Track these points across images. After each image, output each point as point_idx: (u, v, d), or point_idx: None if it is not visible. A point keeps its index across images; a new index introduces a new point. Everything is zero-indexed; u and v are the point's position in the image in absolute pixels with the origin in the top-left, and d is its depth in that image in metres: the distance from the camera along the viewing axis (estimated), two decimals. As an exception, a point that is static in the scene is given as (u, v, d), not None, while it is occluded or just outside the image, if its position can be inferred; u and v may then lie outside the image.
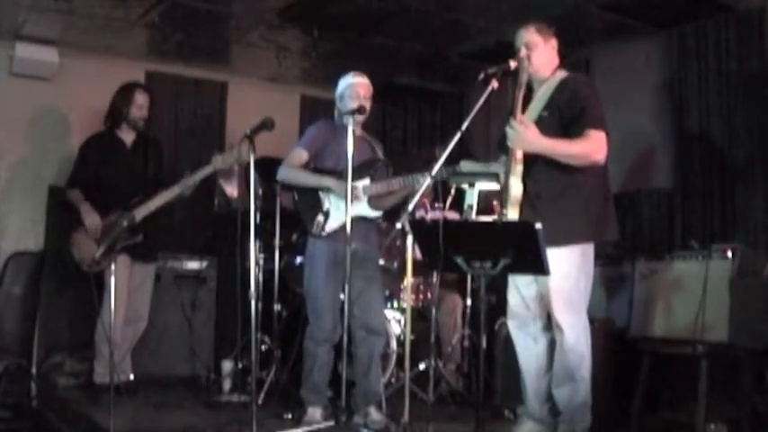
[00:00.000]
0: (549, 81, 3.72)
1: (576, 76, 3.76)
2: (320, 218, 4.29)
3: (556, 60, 3.76)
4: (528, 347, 3.78)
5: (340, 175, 4.21)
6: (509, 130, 3.54)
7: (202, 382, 5.41)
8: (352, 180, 4.08)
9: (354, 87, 4.35)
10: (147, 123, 5.21)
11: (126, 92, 5.15)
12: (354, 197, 4.16)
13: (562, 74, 3.75)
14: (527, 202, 3.58)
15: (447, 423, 4.30)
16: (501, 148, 3.80)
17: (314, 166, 4.37)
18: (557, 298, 3.57)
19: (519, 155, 3.59)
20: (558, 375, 3.65)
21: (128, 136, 5.17)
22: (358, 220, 4.17)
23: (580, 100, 3.56)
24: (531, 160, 3.59)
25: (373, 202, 4.35)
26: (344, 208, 4.11)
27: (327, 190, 4.26)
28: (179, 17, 5.45)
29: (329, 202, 4.30)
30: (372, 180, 4.34)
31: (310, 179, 4.32)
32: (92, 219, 4.88)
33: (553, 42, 3.74)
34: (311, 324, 4.31)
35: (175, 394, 5.12)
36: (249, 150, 3.74)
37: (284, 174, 4.37)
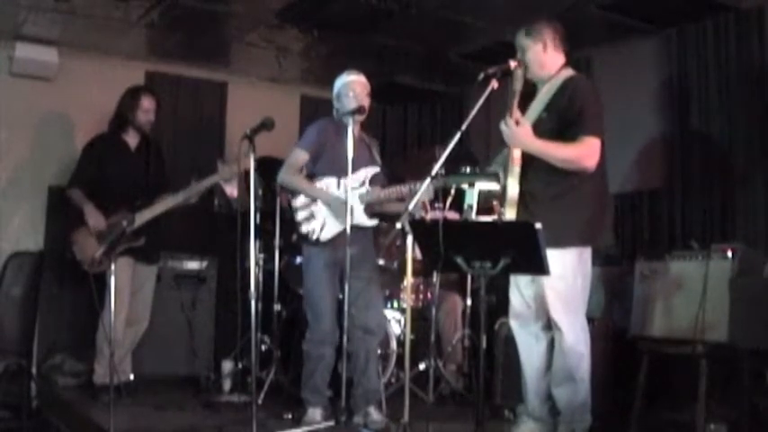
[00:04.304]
0: (552, 81, 3.71)
1: (579, 79, 3.73)
2: (315, 227, 4.29)
3: (555, 59, 3.73)
4: (530, 346, 3.78)
5: (338, 184, 4.22)
6: (503, 127, 3.55)
7: (202, 382, 5.41)
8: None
9: (351, 86, 4.34)
10: (152, 126, 5.22)
11: (132, 96, 5.15)
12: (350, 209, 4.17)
13: (567, 73, 3.72)
14: (522, 202, 3.58)
15: (447, 423, 4.30)
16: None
17: (313, 167, 4.37)
18: (553, 299, 3.58)
19: (516, 155, 3.60)
20: (557, 375, 3.65)
21: (132, 139, 5.18)
22: (354, 229, 4.16)
23: (578, 104, 3.56)
24: (529, 161, 3.59)
25: (369, 210, 4.35)
26: (339, 219, 4.16)
27: (324, 203, 4.28)
28: (179, 17, 5.45)
29: (324, 212, 4.30)
30: (369, 188, 4.35)
31: (309, 190, 4.33)
32: (96, 219, 4.89)
33: (545, 41, 3.70)
34: (311, 326, 4.32)
35: (175, 394, 5.12)
36: (249, 150, 3.74)
37: (284, 179, 4.39)
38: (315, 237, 4.28)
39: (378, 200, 4.34)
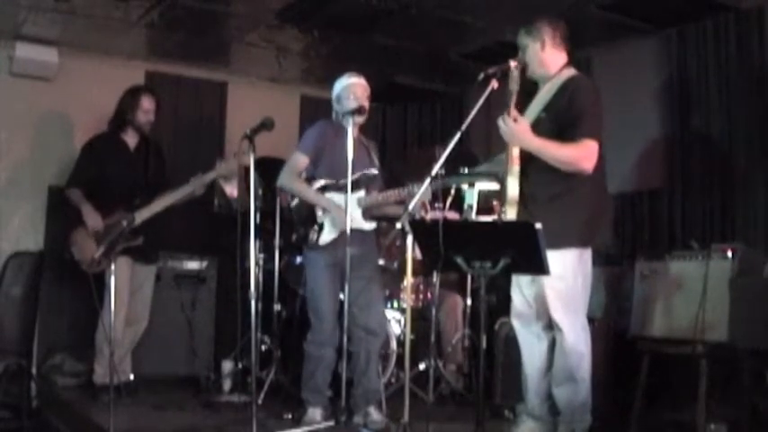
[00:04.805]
0: (553, 80, 3.71)
1: (579, 79, 3.72)
2: (314, 230, 4.29)
3: (555, 58, 3.73)
4: (531, 345, 3.79)
5: (337, 187, 4.23)
6: (501, 124, 3.55)
7: (202, 382, 5.41)
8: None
9: (351, 88, 4.34)
10: (152, 126, 5.21)
11: (132, 96, 5.14)
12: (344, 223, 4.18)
13: (568, 73, 3.72)
14: (522, 203, 3.59)
15: (447, 423, 4.30)
16: None
17: (313, 170, 4.37)
18: (554, 299, 3.59)
19: (515, 154, 3.59)
20: (557, 375, 3.65)
21: (131, 139, 5.18)
22: (354, 231, 4.16)
23: (577, 106, 3.56)
24: (529, 161, 3.59)
25: (368, 213, 4.35)
26: (339, 222, 4.16)
27: (326, 209, 4.27)
28: (179, 17, 5.45)
29: (324, 216, 4.29)
30: (367, 192, 4.35)
31: (308, 195, 4.32)
32: (94, 219, 4.89)
33: (544, 39, 3.70)
34: (313, 327, 4.31)
35: (175, 394, 5.12)
36: (249, 150, 3.74)
37: (284, 183, 4.39)
38: (314, 240, 4.28)
39: (376, 203, 4.35)
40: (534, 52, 3.71)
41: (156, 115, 5.21)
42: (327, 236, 4.27)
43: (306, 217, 4.33)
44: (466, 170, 4.13)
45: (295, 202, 4.38)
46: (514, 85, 3.64)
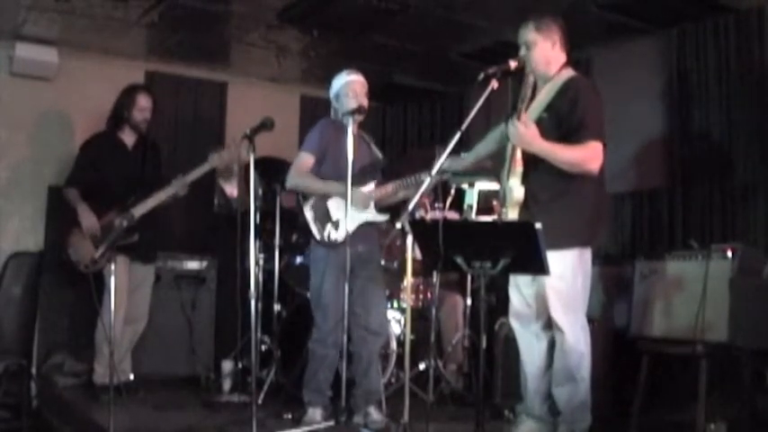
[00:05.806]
0: (553, 80, 3.71)
1: (579, 80, 3.73)
2: (330, 228, 4.29)
3: (560, 58, 3.74)
4: (531, 345, 3.79)
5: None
6: (510, 127, 3.57)
7: (202, 382, 5.41)
8: (358, 187, 4.17)
9: (351, 86, 4.35)
10: (149, 125, 5.21)
11: (129, 94, 5.15)
12: (364, 205, 4.23)
13: (568, 73, 3.72)
14: (523, 203, 3.60)
15: (447, 423, 4.30)
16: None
17: (317, 169, 4.37)
18: (554, 299, 3.59)
19: (519, 155, 3.61)
20: (557, 375, 3.65)
21: (129, 137, 5.18)
22: (365, 225, 4.17)
23: (580, 109, 3.57)
24: (531, 163, 3.60)
25: (378, 206, 4.36)
26: (353, 216, 4.15)
27: (339, 196, 4.26)
28: (179, 17, 5.45)
29: (339, 213, 4.29)
30: (376, 184, 4.36)
31: (321, 187, 4.32)
32: (89, 219, 4.89)
33: (555, 38, 3.70)
34: (319, 327, 4.30)
35: (175, 394, 5.13)
36: (249, 150, 3.75)
37: (294, 182, 4.38)
38: (332, 238, 4.27)
39: (386, 195, 4.35)
40: (543, 50, 3.70)
41: (153, 114, 5.20)
42: (343, 232, 4.25)
43: (321, 215, 4.32)
44: (462, 155, 4.13)
45: (309, 202, 4.37)
46: (529, 91, 3.66)
